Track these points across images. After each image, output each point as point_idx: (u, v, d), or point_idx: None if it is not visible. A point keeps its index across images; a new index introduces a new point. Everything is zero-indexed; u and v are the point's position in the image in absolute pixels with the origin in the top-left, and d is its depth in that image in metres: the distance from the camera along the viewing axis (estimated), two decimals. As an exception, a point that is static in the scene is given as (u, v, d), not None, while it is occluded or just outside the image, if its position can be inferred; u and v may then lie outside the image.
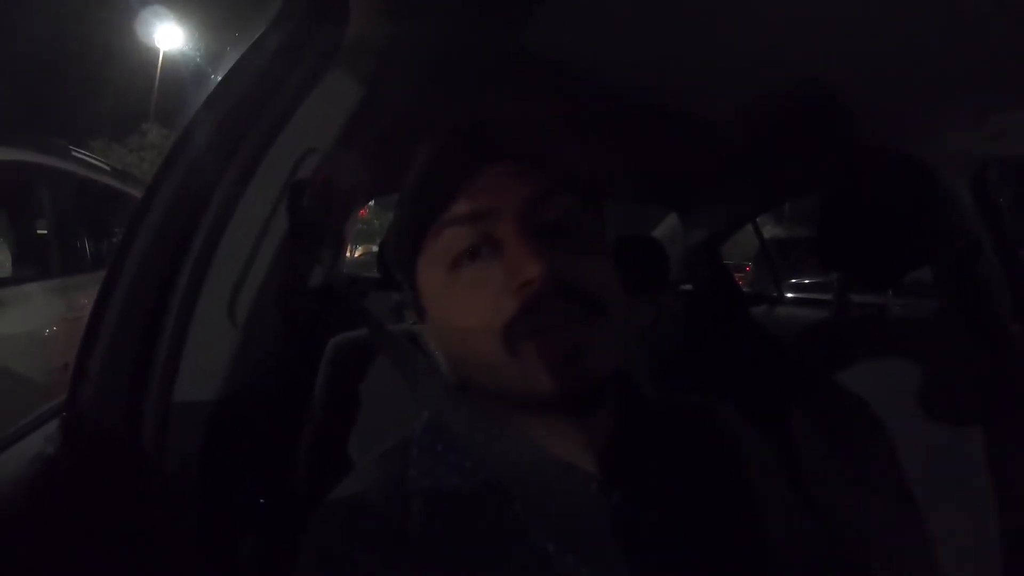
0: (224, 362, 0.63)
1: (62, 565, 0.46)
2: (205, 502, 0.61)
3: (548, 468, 0.44)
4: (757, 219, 2.20)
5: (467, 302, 0.45)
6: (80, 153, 2.99)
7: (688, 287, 2.14)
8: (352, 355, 0.89)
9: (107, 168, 3.21)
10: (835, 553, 0.53)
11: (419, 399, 0.48)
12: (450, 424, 0.47)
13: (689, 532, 0.45)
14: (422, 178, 0.49)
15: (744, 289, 2.63)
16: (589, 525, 0.43)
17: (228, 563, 0.65)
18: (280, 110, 0.66)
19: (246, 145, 0.65)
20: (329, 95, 0.68)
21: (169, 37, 13.27)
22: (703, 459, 0.51)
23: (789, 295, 2.43)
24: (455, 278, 0.46)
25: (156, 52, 13.24)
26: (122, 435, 0.57)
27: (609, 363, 0.44)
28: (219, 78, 0.67)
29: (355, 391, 0.87)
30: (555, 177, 0.48)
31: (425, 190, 0.49)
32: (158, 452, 0.58)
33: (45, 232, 2.67)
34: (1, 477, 0.49)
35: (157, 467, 0.58)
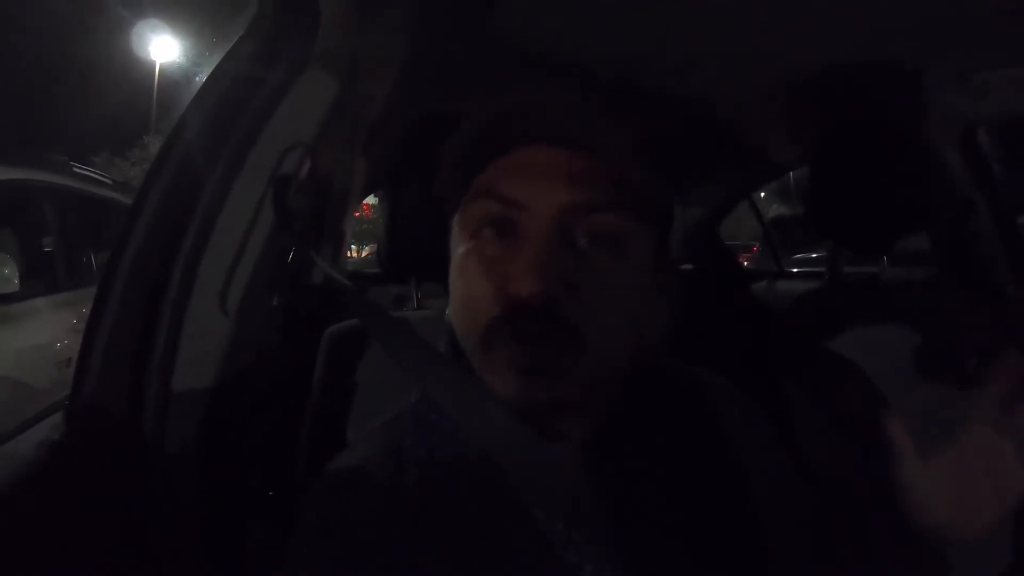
0: (218, 351, 0.66)
1: (67, 542, 0.49)
2: (204, 484, 0.63)
3: (538, 437, 0.43)
4: (763, 199, 2.19)
5: (474, 272, 0.44)
6: (81, 169, 3.04)
7: (688, 267, 2.15)
8: (347, 344, 0.91)
9: (108, 182, 3.26)
10: (830, 521, 0.53)
11: (410, 372, 0.48)
12: (439, 395, 0.47)
13: (681, 503, 0.46)
14: (481, 125, 0.46)
15: (747, 267, 2.63)
16: (579, 494, 0.43)
17: (226, 542, 0.67)
18: (261, 109, 0.68)
19: (231, 143, 0.67)
20: (306, 93, 0.69)
21: (164, 49, 13.38)
22: (696, 430, 0.51)
23: (794, 270, 2.43)
24: (478, 243, 0.45)
25: (152, 65, 13.36)
26: (124, 422, 0.59)
27: (573, 392, 0.43)
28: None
29: (351, 379, 0.89)
30: (617, 190, 0.44)
31: (480, 139, 0.46)
32: (158, 437, 0.60)
33: (50, 249, 2.71)
34: (7, 461, 0.52)
35: (158, 451, 0.60)
